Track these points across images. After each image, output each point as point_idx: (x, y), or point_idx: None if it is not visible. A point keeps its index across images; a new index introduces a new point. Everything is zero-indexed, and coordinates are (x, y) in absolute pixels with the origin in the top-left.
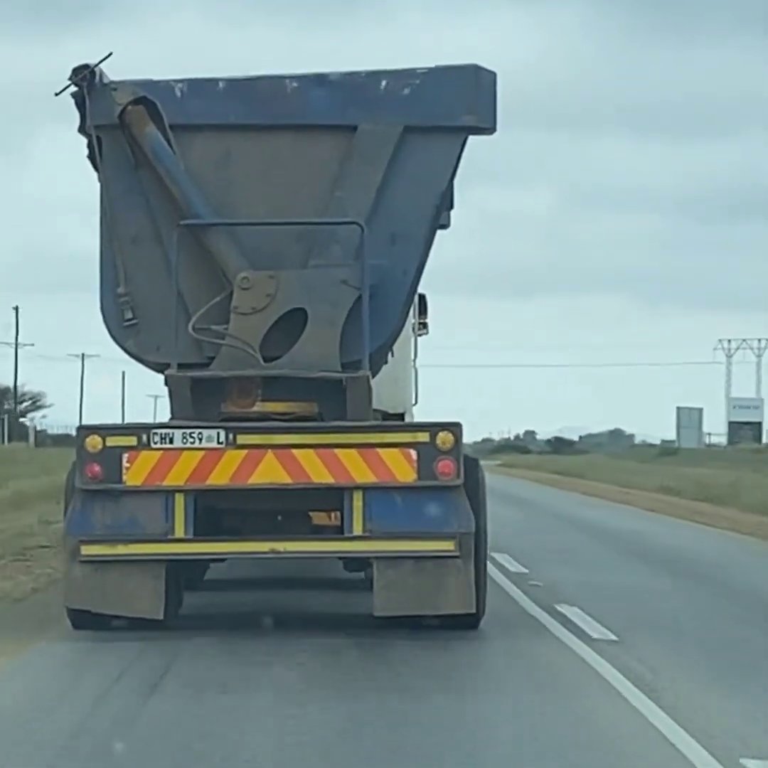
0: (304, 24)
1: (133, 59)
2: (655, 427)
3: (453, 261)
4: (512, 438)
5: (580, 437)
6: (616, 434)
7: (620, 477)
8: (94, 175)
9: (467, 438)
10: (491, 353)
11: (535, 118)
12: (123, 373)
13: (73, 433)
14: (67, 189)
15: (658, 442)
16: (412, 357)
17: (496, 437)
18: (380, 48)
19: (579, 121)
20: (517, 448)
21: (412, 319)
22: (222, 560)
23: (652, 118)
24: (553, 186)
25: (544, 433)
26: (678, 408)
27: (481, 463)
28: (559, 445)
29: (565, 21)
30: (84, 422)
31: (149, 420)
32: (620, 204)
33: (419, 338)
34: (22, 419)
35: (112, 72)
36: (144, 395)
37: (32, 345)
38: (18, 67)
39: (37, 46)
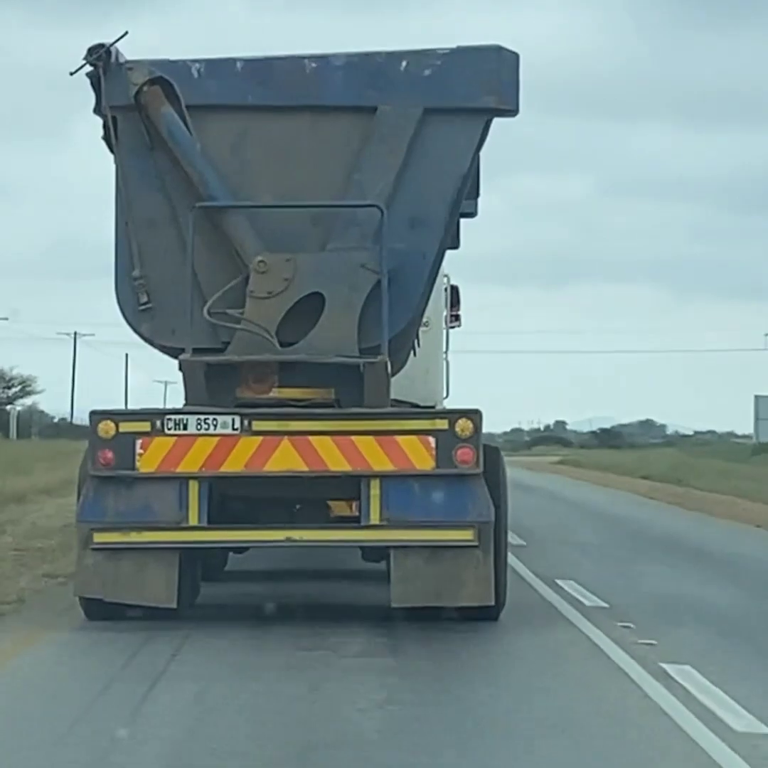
0: (350, 8)
1: (176, 43)
2: (687, 417)
3: (486, 248)
4: (542, 428)
5: (613, 427)
6: (647, 425)
7: (747, 487)
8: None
9: (496, 428)
10: (517, 342)
11: (575, 106)
12: (126, 355)
13: (64, 424)
14: (101, 174)
15: (691, 432)
16: (444, 349)
17: (526, 427)
18: (424, 33)
19: (621, 108)
20: (557, 440)
21: (444, 311)
22: (239, 550)
23: (695, 106)
24: (591, 174)
25: (574, 424)
26: (756, 397)
27: (535, 460)
28: (605, 437)
29: (611, 8)
30: (97, 408)
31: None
32: (659, 193)
33: (451, 330)
34: (9, 407)
35: (153, 55)
36: (151, 381)
37: (6, 319)
38: (61, 50)
39: (80, 30)
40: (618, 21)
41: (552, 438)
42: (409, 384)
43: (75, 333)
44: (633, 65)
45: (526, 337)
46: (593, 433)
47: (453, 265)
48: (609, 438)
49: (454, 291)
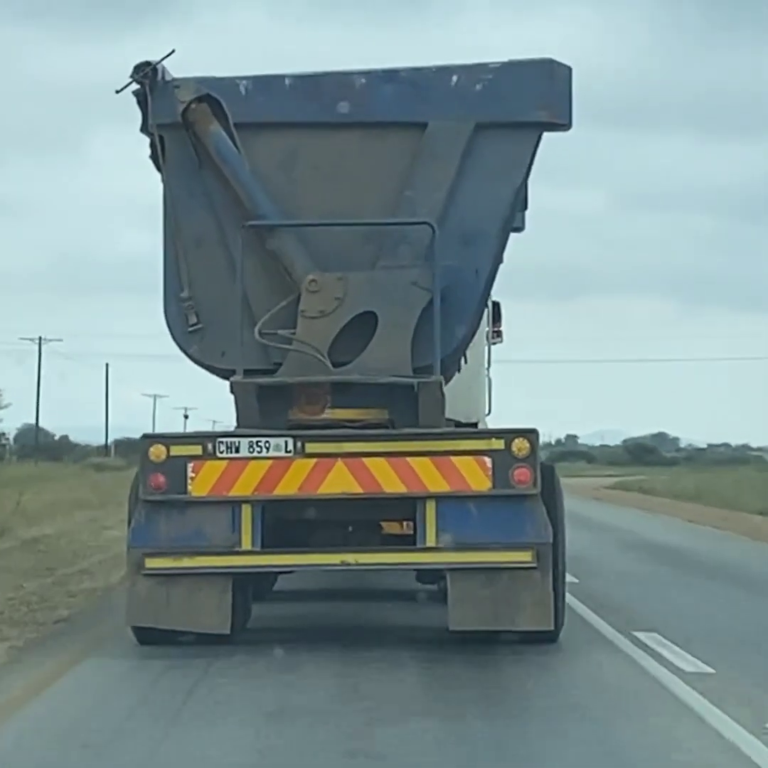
0: (369, 19)
1: (195, 58)
2: (697, 429)
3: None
4: (554, 442)
5: (624, 441)
6: (660, 438)
7: None
8: (148, 175)
9: None
10: (523, 354)
11: (589, 117)
12: (106, 365)
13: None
14: (121, 188)
15: (704, 445)
16: (486, 366)
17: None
18: (444, 41)
19: (635, 119)
20: (580, 455)
21: (486, 327)
22: (290, 572)
23: (709, 116)
24: (604, 186)
25: (584, 437)
26: None
27: (585, 482)
28: (638, 452)
29: (629, 18)
30: (150, 431)
31: (147, 424)
32: (670, 204)
33: (493, 346)
34: None
35: (173, 71)
36: (140, 394)
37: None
38: (76, 66)
39: (95, 45)
40: (633, 33)
41: (573, 453)
42: (451, 401)
43: (40, 338)
44: (646, 76)
45: (533, 349)
46: (626, 448)
47: None
48: (642, 453)
49: (496, 307)
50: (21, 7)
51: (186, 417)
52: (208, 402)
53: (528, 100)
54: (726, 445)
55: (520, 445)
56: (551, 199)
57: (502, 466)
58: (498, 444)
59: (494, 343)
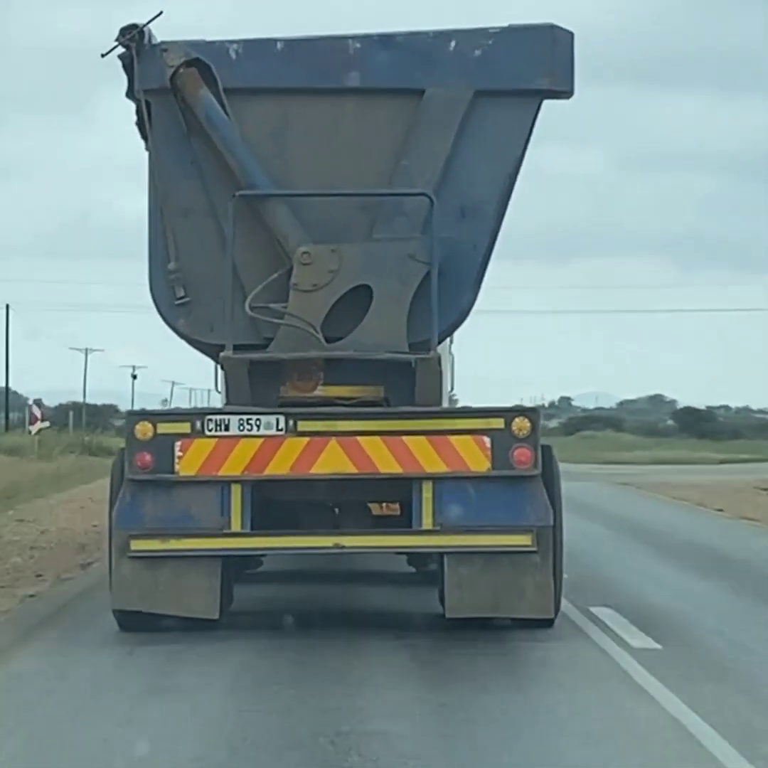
0: None
1: (186, 22)
2: (691, 391)
3: None
4: (547, 404)
5: (619, 403)
6: (656, 400)
7: None
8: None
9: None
10: (516, 316)
11: (596, 74)
12: (7, 306)
13: None
14: (124, 151)
15: (703, 408)
16: (449, 343)
17: (529, 404)
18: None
19: (646, 76)
20: (605, 421)
21: None
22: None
23: (716, 74)
24: (606, 146)
25: (578, 398)
26: None
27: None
28: (689, 419)
29: None
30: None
31: (78, 379)
32: (670, 164)
33: None
34: None
35: (161, 35)
36: (68, 348)
37: None
38: (79, 27)
39: (107, 6)
40: None
41: (595, 419)
42: None
43: None
44: (660, 33)
45: (526, 310)
46: (674, 414)
47: None
48: (694, 421)
49: None
50: None
51: (134, 377)
52: (160, 361)
53: (529, 67)
54: (725, 407)
55: (520, 425)
56: (548, 160)
57: (501, 446)
58: (497, 423)
59: None
